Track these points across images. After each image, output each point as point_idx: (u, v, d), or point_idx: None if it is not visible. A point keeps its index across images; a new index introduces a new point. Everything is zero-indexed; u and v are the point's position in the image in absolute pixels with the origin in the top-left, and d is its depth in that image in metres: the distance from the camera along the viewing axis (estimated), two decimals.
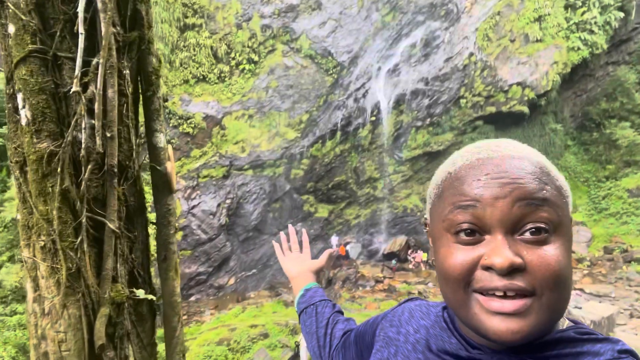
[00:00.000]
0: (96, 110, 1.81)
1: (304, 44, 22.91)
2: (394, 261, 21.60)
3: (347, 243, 22.99)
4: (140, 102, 2.13)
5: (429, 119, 22.73)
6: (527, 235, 0.66)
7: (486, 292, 0.67)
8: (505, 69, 23.11)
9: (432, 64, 22.54)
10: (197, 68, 21.42)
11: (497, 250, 0.65)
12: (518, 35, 23.59)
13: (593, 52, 23.92)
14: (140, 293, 2.10)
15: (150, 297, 2.13)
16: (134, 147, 2.01)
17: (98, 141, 1.82)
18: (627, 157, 23.68)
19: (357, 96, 22.38)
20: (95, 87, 1.81)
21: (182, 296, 18.92)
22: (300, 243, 1.61)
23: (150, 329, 2.26)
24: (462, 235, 0.70)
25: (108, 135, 1.86)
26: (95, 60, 1.83)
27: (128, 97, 1.94)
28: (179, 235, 19.36)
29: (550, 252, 0.65)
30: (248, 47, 22.22)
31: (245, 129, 21.72)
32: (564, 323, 0.76)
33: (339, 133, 22.26)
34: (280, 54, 22.89)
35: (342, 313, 1.36)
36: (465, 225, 0.69)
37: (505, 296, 0.66)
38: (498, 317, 0.65)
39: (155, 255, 2.28)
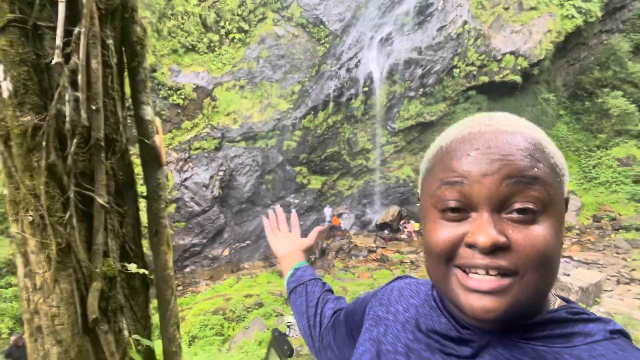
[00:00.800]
0: (80, 82, 1.76)
1: (295, 12, 22.40)
2: (386, 231, 21.83)
3: (341, 214, 23.15)
4: (126, 74, 2.07)
5: (422, 89, 22.55)
6: (515, 214, 0.64)
7: (467, 269, 0.66)
8: (499, 37, 22.84)
9: (425, 32, 22.19)
10: (186, 37, 20.93)
11: (482, 228, 0.64)
12: (512, 3, 23.21)
13: (587, 20, 23.65)
14: (132, 267, 2.10)
15: (142, 271, 2.13)
16: (121, 120, 1.96)
17: (83, 114, 1.78)
18: (618, 126, 23.78)
19: (350, 66, 22.08)
20: (78, 58, 1.76)
21: (177, 267, 19.09)
22: (289, 223, 1.59)
23: (143, 302, 2.28)
24: (449, 212, 0.68)
25: (93, 107, 1.81)
26: (76, 30, 1.76)
27: (112, 68, 1.89)
28: (172, 208, 19.37)
29: (538, 231, 0.63)
30: (238, 15, 21.69)
31: (237, 100, 21.45)
32: (555, 302, 0.75)
33: (331, 104, 22.05)
34: (271, 22, 22.40)
35: (332, 292, 1.35)
36: (451, 203, 0.67)
37: (487, 274, 0.64)
38: (475, 294, 0.64)
39: (147, 229, 2.27)
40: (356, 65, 22.08)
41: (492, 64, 22.60)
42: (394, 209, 22.66)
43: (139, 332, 2.20)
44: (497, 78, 22.77)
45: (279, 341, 1.63)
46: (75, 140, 1.78)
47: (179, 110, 20.63)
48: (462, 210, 0.67)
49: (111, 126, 1.95)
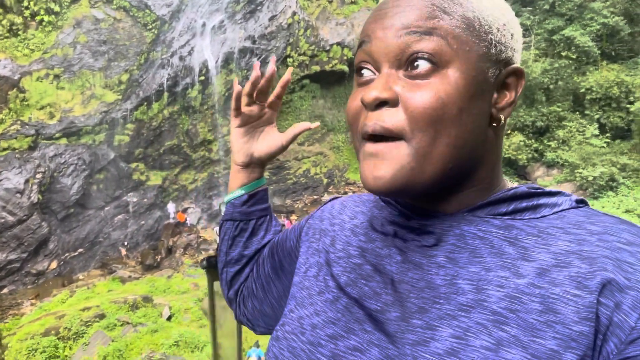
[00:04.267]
0: None
1: None
2: None
3: (186, 209, 22.24)
4: None
5: None
6: (409, 69, 0.60)
7: (364, 135, 0.63)
8: (326, 29, 24.32)
9: (257, 21, 22.44)
10: None
11: (373, 85, 0.61)
12: None
13: None
14: None
15: None
16: None
17: None
18: None
19: (182, 54, 21.13)
20: None
21: None
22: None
23: None
24: (360, 77, 0.65)
25: None
26: None
27: None
28: None
29: (430, 87, 0.59)
30: None
31: (52, 91, 18.82)
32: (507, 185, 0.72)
33: (166, 94, 20.87)
34: (87, 4, 20.12)
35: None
36: (360, 65, 0.65)
37: (378, 141, 0.61)
38: (367, 162, 0.62)
39: None
40: (189, 53, 21.25)
41: (322, 54, 23.97)
42: None
43: None
44: (327, 67, 24.25)
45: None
46: None
47: None
48: (371, 72, 0.64)
49: None
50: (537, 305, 0.54)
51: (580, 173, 21.28)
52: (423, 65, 0.59)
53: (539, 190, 0.66)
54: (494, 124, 0.64)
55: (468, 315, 0.57)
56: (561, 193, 0.67)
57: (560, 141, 23.39)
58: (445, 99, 0.58)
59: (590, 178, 20.88)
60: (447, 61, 0.59)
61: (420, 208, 0.69)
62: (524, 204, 0.65)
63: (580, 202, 0.66)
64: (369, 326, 0.64)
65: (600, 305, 0.52)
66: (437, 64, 0.59)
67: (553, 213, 0.63)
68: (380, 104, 0.60)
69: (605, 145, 22.71)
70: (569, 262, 0.56)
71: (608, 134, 23.20)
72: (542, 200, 0.65)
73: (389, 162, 0.60)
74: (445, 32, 0.59)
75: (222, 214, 1.05)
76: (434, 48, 0.58)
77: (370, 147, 0.62)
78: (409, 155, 0.59)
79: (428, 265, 0.64)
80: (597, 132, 23.09)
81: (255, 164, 1.02)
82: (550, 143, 23.66)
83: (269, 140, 1.01)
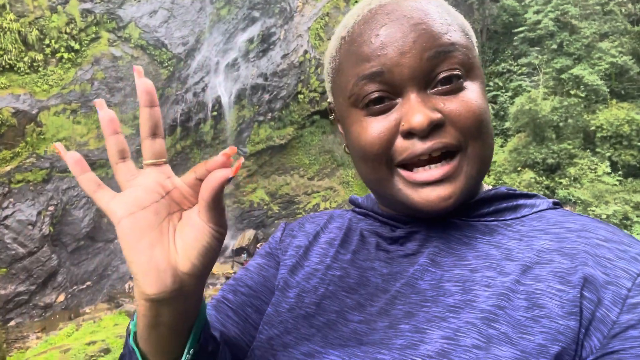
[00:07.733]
0: None
1: (133, 33, 21.26)
2: (244, 255, 21.62)
3: None
4: None
5: (270, 114, 23.22)
6: (440, 86, 0.60)
7: (411, 163, 0.61)
8: None
9: (270, 59, 23.04)
10: (2, 56, 18.26)
11: (413, 110, 0.58)
12: None
13: None
14: None
15: None
16: None
17: None
18: None
19: (197, 90, 21.68)
20: None
21: None
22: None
23: None
24: (372, 105, 0.61)
25: None
26: None
27: None
28: None
29: (468, 96, 0.60)
30: (66, 33, 19.74)
31: (68, 125, 19.29)
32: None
33: (179, 128, 21.29)
34: (106, 42, 20.86)
35: None
36: (373, 94, 0.61)
37: (430, 161, 0.60)
38: (427, 187, 0.60)
39: None
40: (203, 90, 21.79)
41: None
42: (250, 233, 22.62)
43: None
44: None
45: None
46: None
47: None
48: (386, 99, 0.61)
49: None
50: (523, 302, 0.55)
51: (593, 211, 20.98)
52: (454, 81, 0.60)
53: (517, 192, 0.69)
54: None
55: (457, 315, 0.56)
56: (537, 196, 0.69)
57: (572, 179, 23.19)
58: (482, 104, 0.62)
59: (604, 216, 20.53)
60: (468, 70, 0.62)
61: (403, 217, 0.69)
62: (504, 205, 0.66)
63: (557, 205, 0.68)
64: (352, 342, 0.60)
65: (583, 299, 0.53)
66: (463, 75, 0.61)
67: (532, 213, 0.65)
68: (433, 127, 0.59)
69: (617, 183, 22.46)
70: (551, 258, 0.57)
71: (620, 172, 22.98)
72: (521, 201, 0.67)
73: (457, 180, 0.61)
74: (459, 44, 0.61)
75: None
76: (460, 62, 0.60)
77: (427, 173, 0.60)
78: (472, 165, 0.61)
79: (412, 271, 0.63)
80: (609, 169, 22.89)
81: (187, 286, 0.51)
82: (561, 180, 23.46)
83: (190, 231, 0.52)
